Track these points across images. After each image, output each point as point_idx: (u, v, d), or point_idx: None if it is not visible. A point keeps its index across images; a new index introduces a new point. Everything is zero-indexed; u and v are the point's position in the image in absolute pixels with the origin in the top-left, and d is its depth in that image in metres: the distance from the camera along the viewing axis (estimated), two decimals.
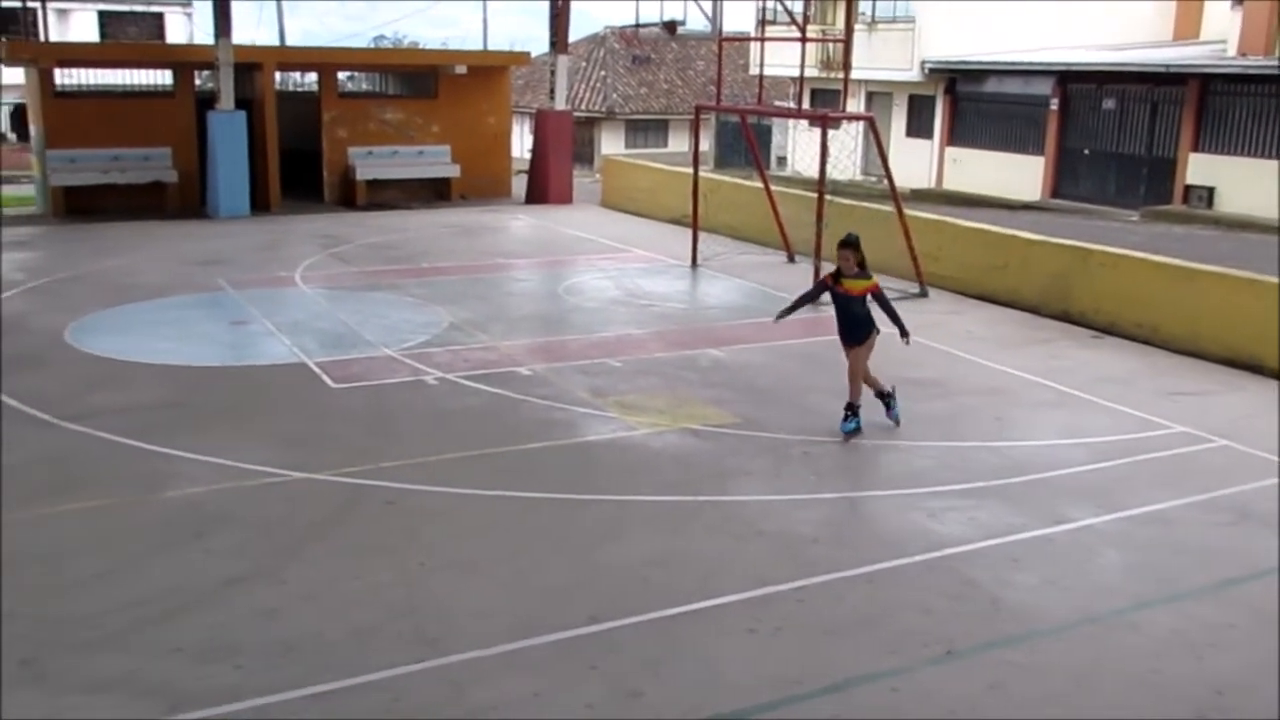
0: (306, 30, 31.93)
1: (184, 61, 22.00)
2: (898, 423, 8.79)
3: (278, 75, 22.42)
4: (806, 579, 6.21)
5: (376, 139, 22.76)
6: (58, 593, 5.91)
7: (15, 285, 13.85)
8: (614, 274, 15.26)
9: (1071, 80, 25.64)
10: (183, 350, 10.95)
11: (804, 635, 5.64)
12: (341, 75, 24.34)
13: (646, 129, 40.65)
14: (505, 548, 6.66)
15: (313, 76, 25.59)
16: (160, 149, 21.04)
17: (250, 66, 20.96)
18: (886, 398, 8.84)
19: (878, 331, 8.73)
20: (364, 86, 27.22)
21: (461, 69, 23.07)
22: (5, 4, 32.35)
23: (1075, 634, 5.69)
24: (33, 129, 22.57)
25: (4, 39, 23.31)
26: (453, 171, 23.14)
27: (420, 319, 12.37)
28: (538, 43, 25.87)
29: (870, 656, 5.42)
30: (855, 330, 8.72)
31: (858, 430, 8.63)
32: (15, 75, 25.28)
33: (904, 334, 8.77)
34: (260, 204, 20.77)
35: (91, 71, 22.27)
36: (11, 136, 40.85)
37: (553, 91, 23.34)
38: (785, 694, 5.08)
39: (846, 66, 14.61)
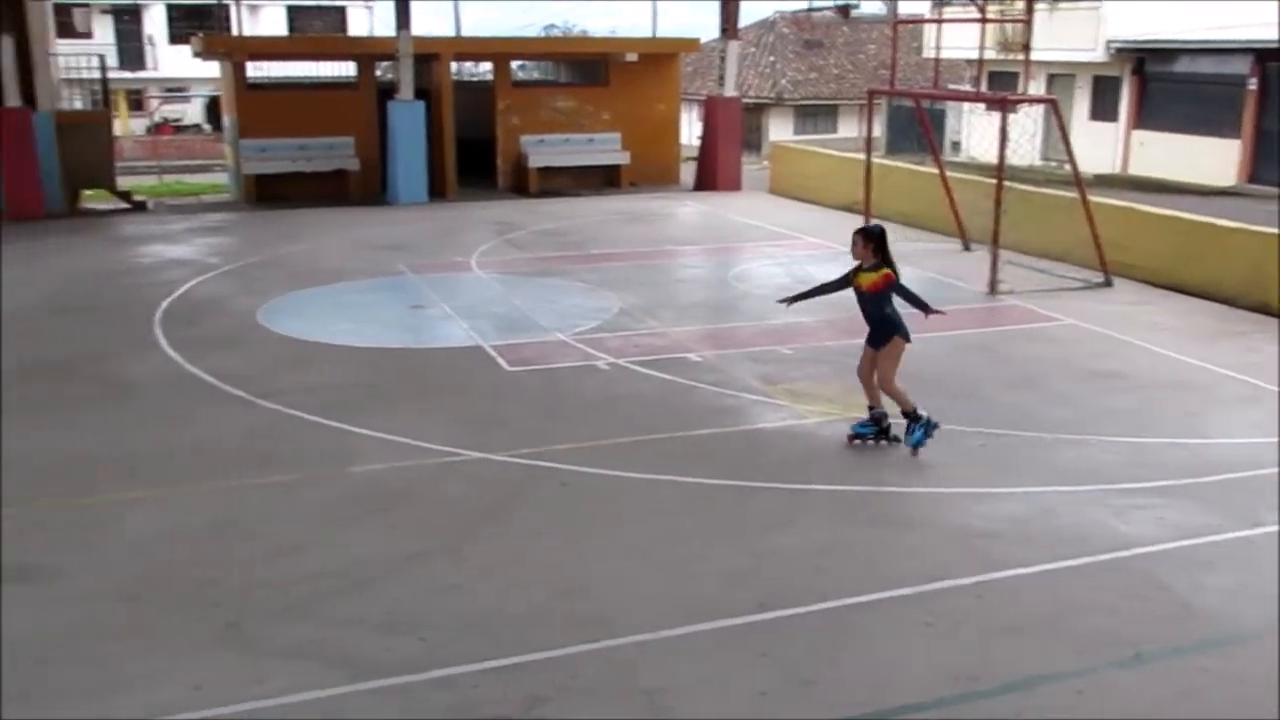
0: (481, 21, 32.74)
1: (366, 53, 22.77)
2: (914, 450, 7.83)
3: (454, 65, 22.99)
4: (985, 574, 6.06)
5: (549, 127, 23.13)
6: (257, 561, 6.22)
7: (212, 269, 14.60)
8: (783, 261, 15.17)
9: (1271, 58, 24.23)
10: (365, 332, 11.36)
11: (983, 631, 5.50)
12: (514, 64, 24.80)
13: (815, 115, 40.17)
14: (675, 532, 6.70)
15: (486, 66, 26.17)
16: (343, 138, 21.84)
17: (428, 57, 21.54)
18: (912, 418, 7.86)
19: (905, 339, 7.87)
20: (534, 75, 27.69)
21: (632, 56, 23.24)
22: (201, 1, 34.10)
23: (1274, 642, 5.40)
24: (226, 120, 23.74)
25: (201, 34, 24.53)
26: (622, 159, 23.34)
27: (591, 304, 12.54)
28: (705, 30, 25.81)
29: (1053, 656, 5.26)
30: (873, 332, 7.97)
31: (925, 439, 7.81)
32: (211, 69, 26.60)
33: (926, 311, 8.01)
34: (437, 191, 21.37)
35: (280, 64, 23.28)
36: (207, 127, 43.04)
37: (722, 78, 23.28)
38: (964, 690, 4.98)
39: (1027, 47, 14.17)
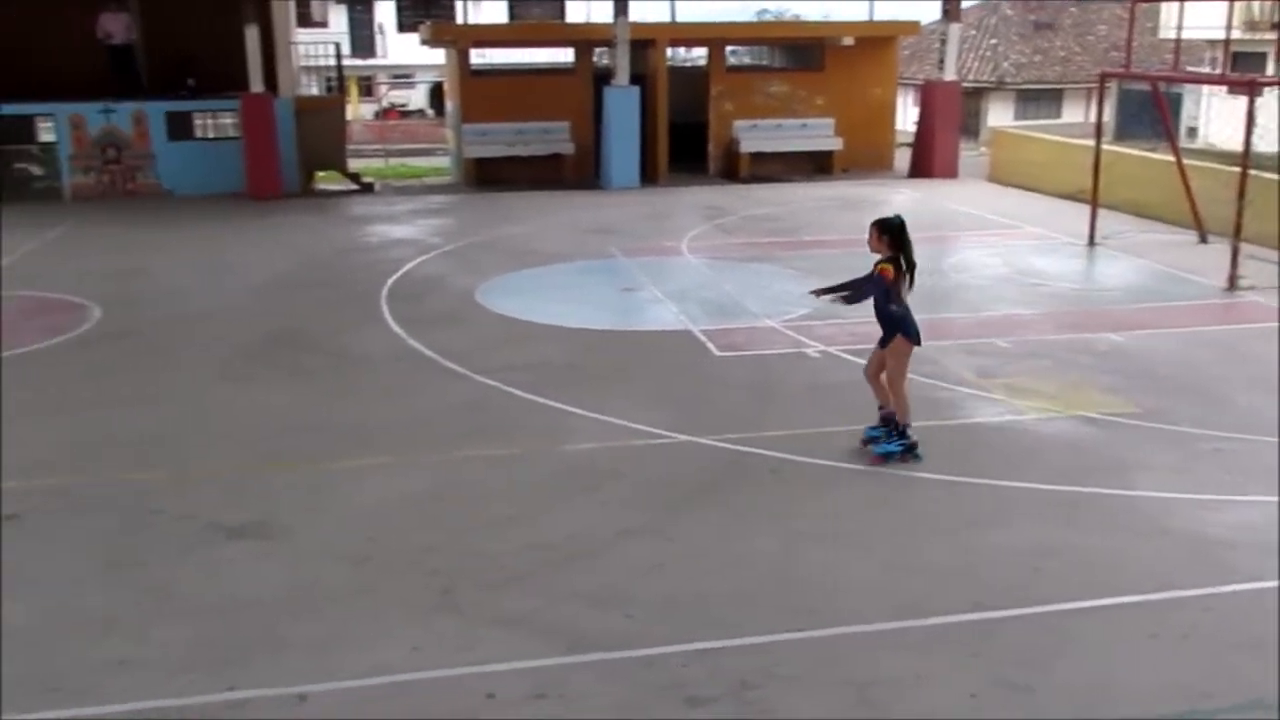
0: (694, 7, 32.89)
1: (584, 40, 23.14)
2: (876, 456, 7.44)
3: (668, 51, 23.14)
4: (1218, 586, 5.72)
5: (761, 112, 23.03)
6: (474, 531, 6.44)
7: (434, 249, 15.17)
8: (1002, 251, 14.67)
9: None
10: (578, 313, 11.58)
11: (1215, 646, 5.20)
12: (728, 49, 24.78)
13: (1038, 99, 38.65)
14: (885, 524, 6.58)
15: (699, 51, 26.24)
16: (560, 123, 22.30)
17: (644, 43, 21.75)
18: (897, 429, 7.45)
19: (910, 340, 7.42)
20: (745, 60, 27.59)
21: (848, 40, 22.88)
22: None
23: None
24: (449, 105, 24.59)
25: (428, 23, 25.45)
26: (835, 145, 23.03)
27: (801, 291, 12.35)
28: (921, 12, 25.21)
29: None
30: (882, 327, 7.51)
31: (894, 457, 7.39)
32: (436, 56, 27.61)
33: (823, 291, 7.93)
34: (649, 175, 21.58)
35: (501, 51, 23.94)
36: (430, 112, 44.73)
37: (942, 61, 22.67)
38: (1191, 706, 4.72)
39: (1277, 26, 13.22)
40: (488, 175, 22.00)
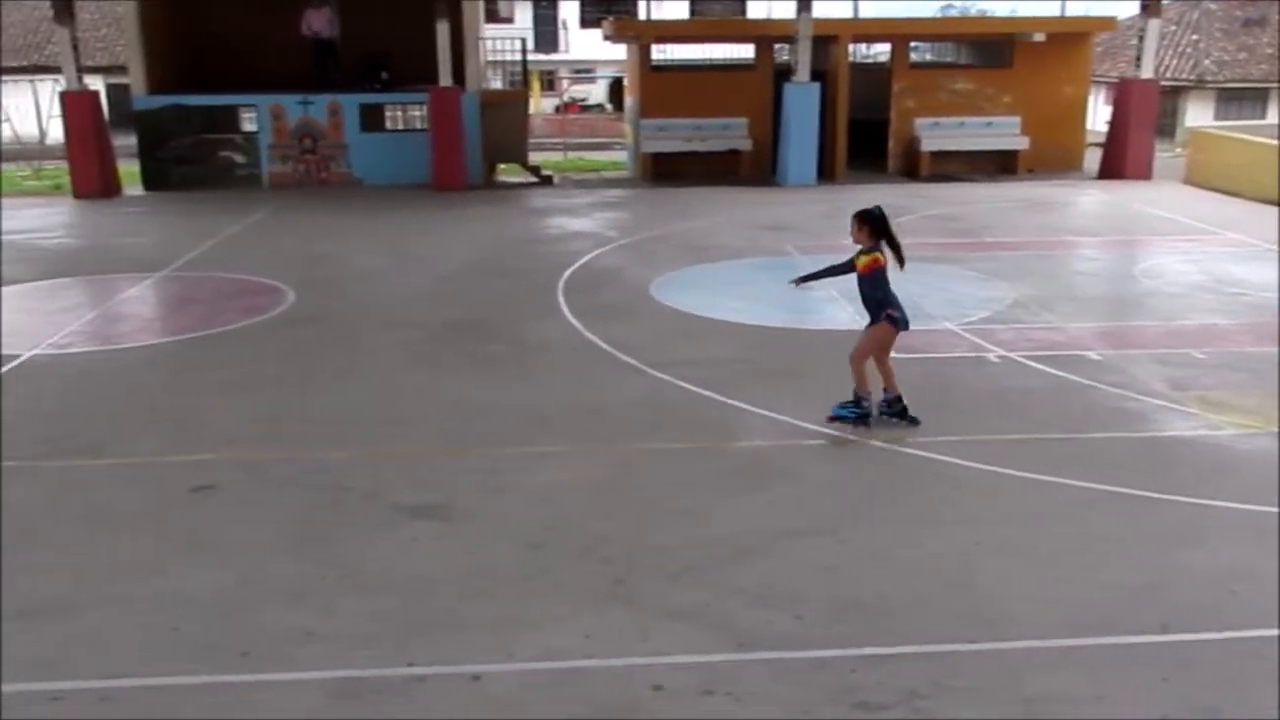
0: (877, 3, 32.29)
1: (765, 36, 23.05)
2: (830, 417, 7.97)
3: (850, 47, 22.85)
4: None
5: (945, 109, 22.54)
6: (646, 523, 6.49)
7: (609, 242, 15.36)
8: (1199, 257, 13.98)
9: None
10: (751, 310, 11.55)
11: None
12: (911, 45, 24.32)
13: (1240, 99, 36.63)
14: (1066, 538, 6.35)
15: (880, 47, 25.82)
16: (738, 119, 22.29)
17: (826, 39, 21.52)
18: (857, 403, 7.93)
19: (892, 326, 7.89)
20: (926, 57, 27.02)
21: (1039, 36, 22.16)
22: None
23: None
24: (628, 100, 24.84)
25: (611, 18, 25.76)
26: (1020, 144, 22.38)
27: (982, 294, 12.11)
28: (1116, 8, 24.16)
29: None
30: (869, 312, 8.02)
31: (848, 419, 7.93)
32: (616, 52, 27.89)
33: (803, 279, 8.43)
34: (826, 173, 21.37)
35: (681, 47, 24.04)
36: (609, 107, 45.25)
37: (1139, 59, 21.73)
38: None
39: None
40: (664, 170, 22.15)
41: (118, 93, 33.02)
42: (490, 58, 23.75)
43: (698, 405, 8.60)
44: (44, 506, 6.79)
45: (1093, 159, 22.47)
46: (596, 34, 27.24)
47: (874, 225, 7.89)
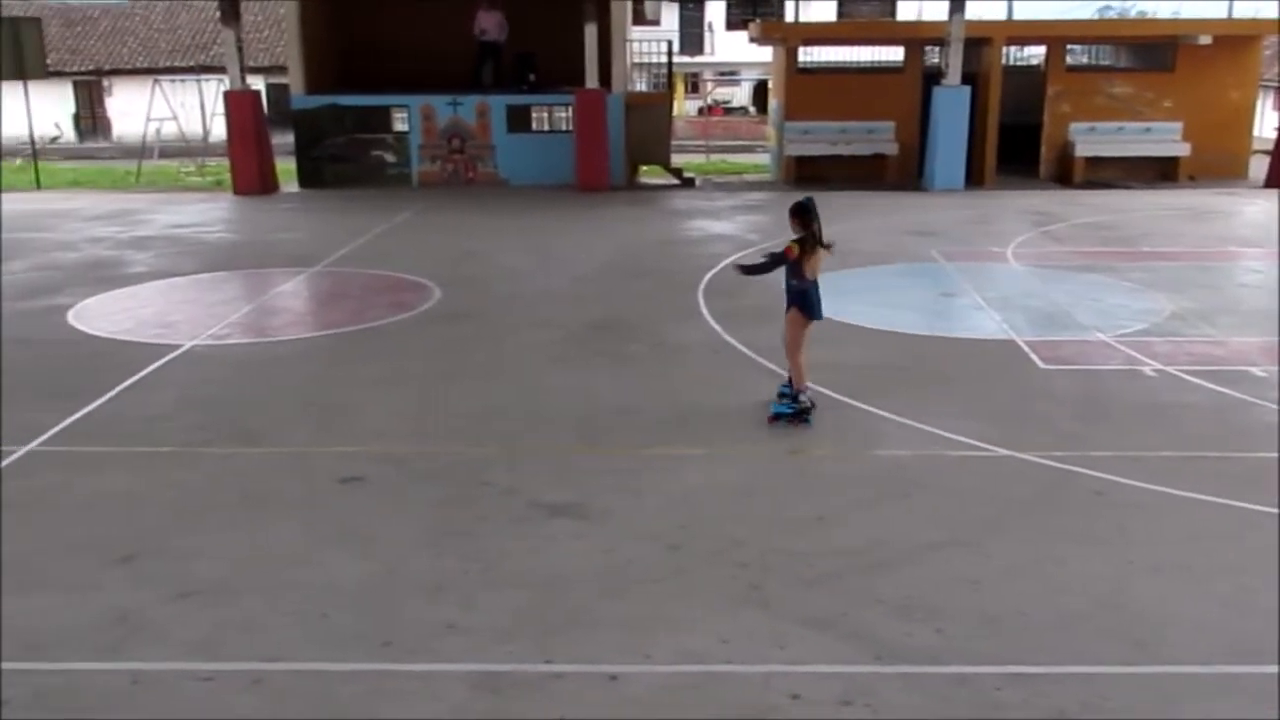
0: (1032, 5, 31.33)
1: (914, 38, 22.68)
2: (771, 418, 8.11)
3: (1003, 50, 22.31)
4: None
5: (1101, 114, 21.85)
6: (783, 528, 6.43)
7: (751, 245, 15.30)
8: None
9: None
10: (894, 316, 11.36)
11: None
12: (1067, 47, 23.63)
13: None
14: (1224, 560, 6.07)
15: (1031, 49, 25.14)
16: (884, 123, 21.98)
17: (978, 41, 21.06)
18: (790, 394, 8.18)
19: (806, 315, 8.19)
20: (1083, 59, 26.18)
21: (1205, 39, 21.28)
22: None
23: None
24: (773, 102, 24.72)
25: (757, 20, 25.66)
26: (1182, 150, 21.54)
27: (1138, 305, 11.68)
28: None
29: None
30: (787, 298, 8.30)
31: (789, 417, 8.09)
32: (761, 54, 27.79)
33: (745, 269, 8.65)
34: (974, 178, 20.92)
35: (827, 49, 23.82)
36: (752, 109, 45.13)
37: None
38: None
39: None
40: (807, 173, 21.98)
41: (277, 92, 34.34)
42: (635, 60, 23.90)
43: (837, 411, 8.49)
44: (204, 491, 7.07)
45: (1259, 166, 21.47)
46: (742, 36, 27.21)
47: (802, 216, 8.18)
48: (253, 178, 21.53)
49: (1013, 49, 27.52)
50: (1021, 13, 25.08)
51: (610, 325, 11.13)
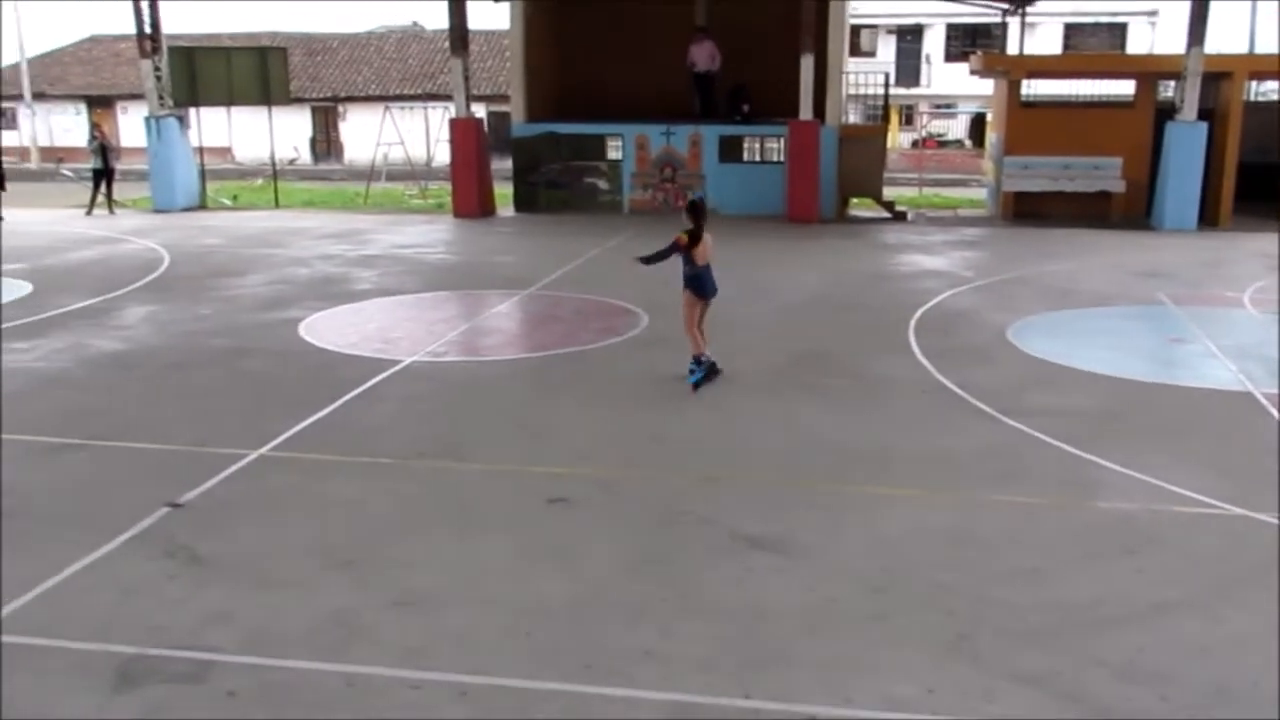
0: (1271, 36, 29.62)
1: (1146, 72, 21.71)
2: (693, 387, 9.77)
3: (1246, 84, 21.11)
4: None
5: None
6: (994, 578, 6.19)
7: (966, 282, 14.91)
8: None
9: None
10: (1119, 361, 10.84)
11: None
12: None
13: None
14: None
15: (1270, 84, 23.71)
16: (1111, 159, 21.10)
17: (1216, 75, 20.00)
18: (697, 361, 9.90)
19: (696, 294, 9.89)
20: None
21: None
22: (982, 20, 34.74)
23: None
24: (991, 136, 24.08)
25: (980, 52, 25.06)
26: None
27: None
28: None
29: None
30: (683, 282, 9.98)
31: (703, 380, 9.82)
32: (979, 86, 27.09)
33: (644, 259, 10.03)
34: (1208, 218, 19.85)
35: (1051, 81, 23.06)
36: (968, 143, 44.07)
37: None
38: None
39: None
40: (1026, 209, 21.29)
41: (497, 119, 35.56)
42: (851, 91, 23.71)
43: (1055, 459, 8.14)
44: (419, 503, 7.32)
45: None
46: (959, 68, 26.69)
47: (693, 213, 9.80)
48: (472, 201, 22.32)
49: (1252, 83, 26.08)
50: (1266, 46, 23.67)
51: (816, 358, 11.01)
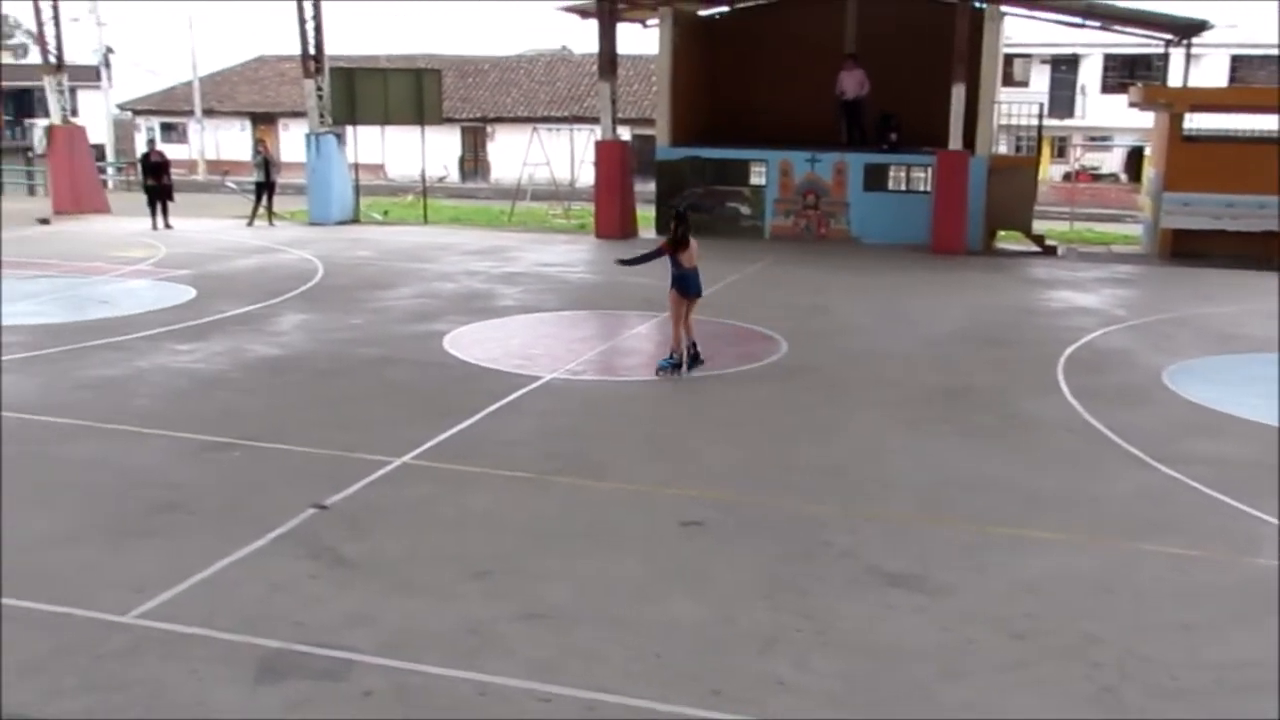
0: None
1: None
2: (657, 370, 11.04)
3: None
4: None
5: None
6: (1144, 632, 5.94)
7: (1118, 321, 14.43)
8: None
9: None
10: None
11: None
12: None
13: None
14: None
15: None
16: (1277, 198, 20.17)
17: None
18: (670, 356, 11.06)
19: (680, 294, 10.86)
20: None
21: None
22: (1142, 51, 33.66)
23: None
24: (1150, 171, 23.28)
25: (1139, 84, 24.31)
26: None
27: None
28: None
29: None
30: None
31: (667, 367, 11.03)
32: (1134, 119, 26.24)
33: (626, 261, 11.48)
34: None
35: (1217, 115, 22.18)
36: (1123, 177, 42.74)
37: None
38: None
39: None
40: (1185, 248, 20.52)
41: (640, 142, 35.86)
42: (1002, 122, 23.23)
43: (1210, 509, 7.79)
44: (554, 518, 7.39)
45: None
46: (1116, 100, 25.93)
47: (677, 220, 10.86)
48: (614, 222, 22.54)
49: None
50: None
51: (960, 393, 10.77)
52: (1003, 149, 24.79)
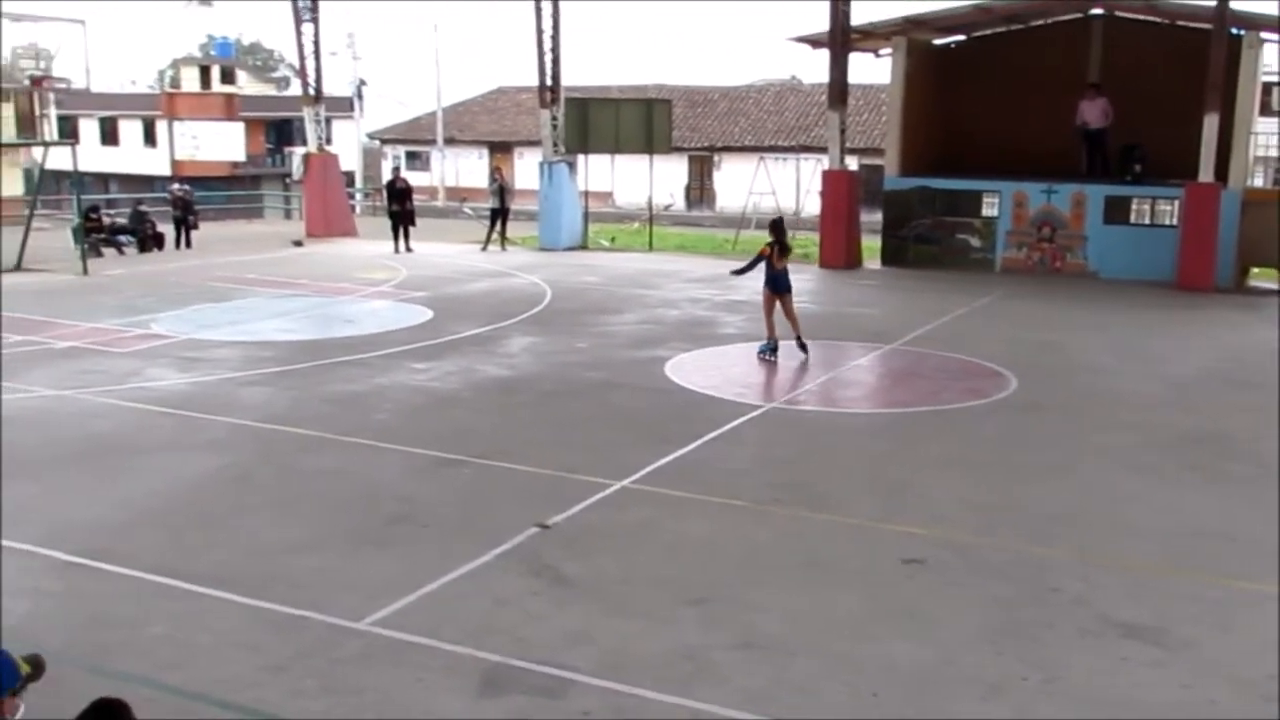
0: None
1: None
2: (760, 354, 12.99)
3: None
4: None
5: None
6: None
7: None
8: None
9: None
10: None
11: None
12: None
13: None
14: None
15: None
16: None
17: None
18: (768, 341, 13.01)
19: (772, 291, 13.01)
20: None
21: None
22: None
23: None
24: None
25: None
26: None
27: None
28: None
29: None
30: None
31: (764, 352, 12.95)
32: None
33: (738, 271, 13.93)
34: None
35: None
36: None
37: None
38: None
39: None
40: None
41: (867, 172, 35.45)
42: (1258, 153, 21.80)
43: None
44: (771, 549, 7.36)
45: None
46: None
47: (775, 230, 13.07)
48: (839, 252, 22.31)
49: None
50: None
51: (1207, 438, 10.12)
52: (1259, 181, 23.23)
